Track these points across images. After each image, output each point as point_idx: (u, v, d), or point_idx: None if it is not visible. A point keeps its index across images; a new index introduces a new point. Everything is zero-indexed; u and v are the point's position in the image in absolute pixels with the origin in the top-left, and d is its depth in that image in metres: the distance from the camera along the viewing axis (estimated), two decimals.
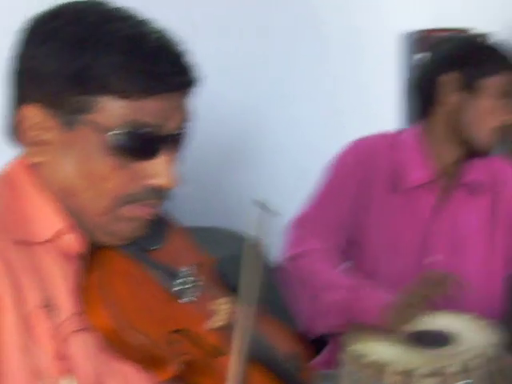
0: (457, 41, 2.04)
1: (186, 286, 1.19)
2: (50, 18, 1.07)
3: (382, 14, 3.35)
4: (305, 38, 3.21)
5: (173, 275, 1.18)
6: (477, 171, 2.02)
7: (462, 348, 1.59)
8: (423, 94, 2.02)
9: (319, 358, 2.11)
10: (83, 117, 1.04)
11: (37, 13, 1.09)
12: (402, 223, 2.00)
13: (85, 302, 1.07)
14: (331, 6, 3.25)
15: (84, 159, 1.06)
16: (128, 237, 1.13)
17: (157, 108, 1.05)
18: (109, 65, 1.02)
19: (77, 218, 1.09)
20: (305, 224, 1.99)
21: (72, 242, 1.10)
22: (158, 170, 1.08)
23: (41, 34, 1.06)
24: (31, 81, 1.06)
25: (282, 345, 1.36)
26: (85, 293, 1.08)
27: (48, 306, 1.04)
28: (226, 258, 1.61)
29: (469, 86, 1.94)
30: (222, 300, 1.22)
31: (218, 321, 1.19)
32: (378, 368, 1.54)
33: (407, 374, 1.51)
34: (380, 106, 3.37)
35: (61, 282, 1.07)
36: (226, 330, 1.19)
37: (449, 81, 1.95)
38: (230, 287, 1.30)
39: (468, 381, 1.49)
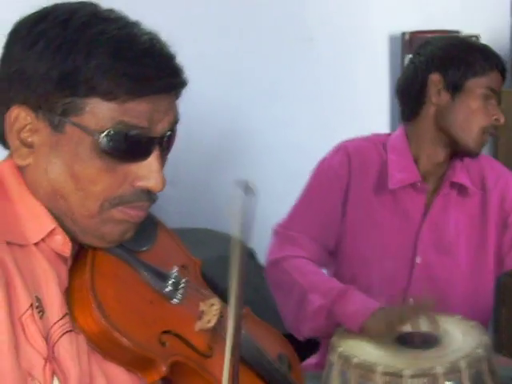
0: (443, 42, 2.04)
1: (176, 288, 1.19)
2: (38, 20, 1.06)
3: (373, 15, 3.35)
4: (296, 39, 3.21)
5: (163, 276, 1.18)
6: (465, 171, 2.02)
7: (451, 349, 1.60)
8: (411, 94, 2.02)
9: (311, 359, 2.11)
10: (71, 119, 1.04)
11: (25, 15, 1.09)
12: (392, 224, 2.00)
13: (74, 304, 1.07)
14: (322, 8, 3.25)
15: (72, 161, 1.06)
16: (117, 239, 1.12)
17: (145, 110, 1.05)
18: (96, 67, 1.02)
19: (66, 220, 1.09)
20: (288, 228, 1.99)
21: (62, 243, 1.10)
22: (146, 171, 1.08)
23: (29, 37, 1.05)
24: (20, 83, 1.06)
25: (271, 346, 1.36)
26: (75, 294, 1.08)
27: (39, 307, 1.04)
28: (213, 259, 1.61)
29: (455, 87, 1.95)
30: (212, 301, 1.22)
31: (207, 322, 1.19)
32: (367, 369, 1.54)
33: (396, 375, 1.51)
34: (371, 108, 3.37)
35: (52, 284, 1.07)
36: (216, 330, 1.19)
37: (435, 81, 1.95)
38: (217, 288, 1.30)
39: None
